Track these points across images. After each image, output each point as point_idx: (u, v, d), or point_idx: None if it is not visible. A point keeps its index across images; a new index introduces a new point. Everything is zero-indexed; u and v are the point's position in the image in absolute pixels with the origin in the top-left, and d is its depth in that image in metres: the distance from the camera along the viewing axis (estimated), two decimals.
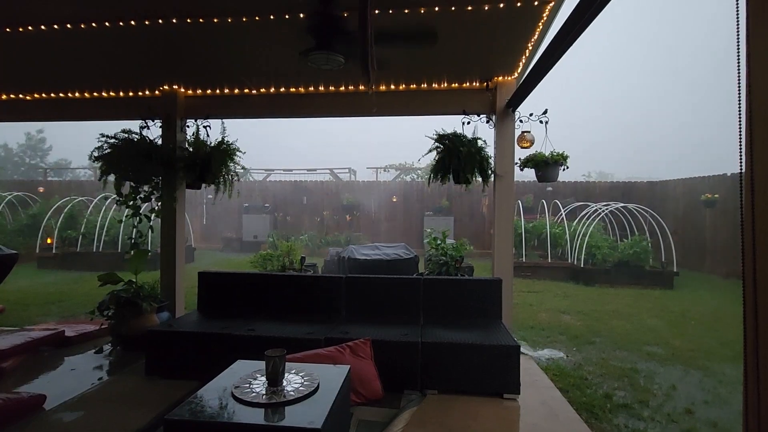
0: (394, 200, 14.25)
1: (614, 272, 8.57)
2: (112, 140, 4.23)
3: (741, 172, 0.94)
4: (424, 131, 4.28)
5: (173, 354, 3.48)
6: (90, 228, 10.56)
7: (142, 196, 4.44)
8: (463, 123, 4.31)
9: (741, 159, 0.94)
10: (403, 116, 4.95)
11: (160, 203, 4.71)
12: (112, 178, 4.31)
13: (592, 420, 3.05)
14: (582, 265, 8.85)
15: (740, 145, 0.94)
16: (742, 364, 0.89)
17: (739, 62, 0.91)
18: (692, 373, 4.03)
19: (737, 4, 0.90)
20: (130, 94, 5.00)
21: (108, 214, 10.59)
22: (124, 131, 4.32)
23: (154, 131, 4.69)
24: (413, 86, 4.58)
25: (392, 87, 4.61)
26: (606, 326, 5.56)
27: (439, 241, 5.37)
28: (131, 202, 4.46)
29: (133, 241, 4.57)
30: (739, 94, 0.91)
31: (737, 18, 0.91)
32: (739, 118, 0.91)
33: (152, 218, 4.66)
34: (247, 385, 2.18)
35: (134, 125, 4.56)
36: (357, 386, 2.94)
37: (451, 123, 4.37)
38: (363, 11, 2.33)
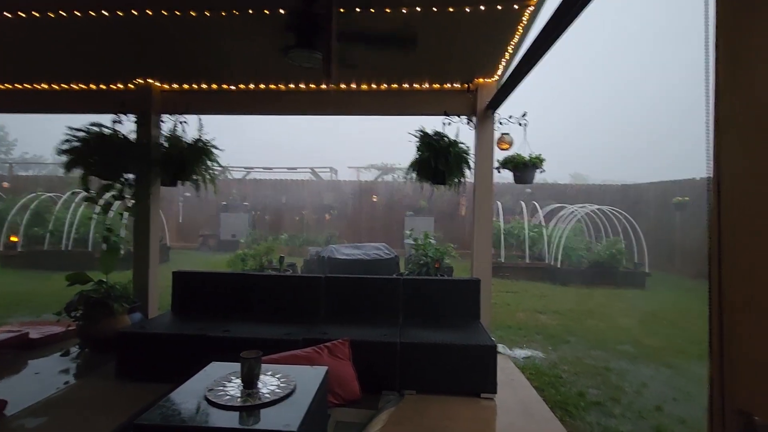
0: (375, 200, 14.24)
1: (589, 273, 8.79)
2: (81, 134, 4.06)
3: (708, 177, 0.96)
4: (406, 132, 4.28)
5: (145, 356, 3.37)
6: (59, 225, 10.14)
7: (114, 193, 4.26)
8: (444, 124, 4.34)
9: (708, 164, 0.96)
10: (384, 116, 4.94)
11: (133, 200, 4.55)
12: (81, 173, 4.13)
13: (566, 418, 3.12)
14: (559, 266, 9.04)
15: (707, 150, 0.96)
16: (708, 361, 0.91)
17: (707, 72, 0.94)
18: (662, 371, 4.16)
19: (706, 14, 0.93)
20: (102, 87, 4.81)
21: (78, 210, 10.20)
22: (94, 125, 4.15)
23: (129, 126, 4.54)
24: (395, 86, 4.58)
25: (374, 86, 4.59)
26: (581, 326, 5.69)
27: (420, 242, 5.40)
28: (103, 201, 4.29)
29: (105, 238, 4.39)
30: (707, 102, 0.94)
31: (706, 27, 0.93)
32: (707, 124, 0.93)
33: (125, 216, 4.49)
34: (221, 388, 2.12)
35: (106, 119, 4.40)
36: (335, 387, 2.92)
37: (432, 124, 4.39)
38: (327, 7, 2.33)
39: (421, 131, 4.15)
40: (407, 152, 4.32)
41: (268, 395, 2.06)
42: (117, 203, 4.46)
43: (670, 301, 7.48)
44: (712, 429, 0.92)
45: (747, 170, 0.84)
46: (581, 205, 10.87)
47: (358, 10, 3.01)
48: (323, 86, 4.61)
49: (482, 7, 2.98)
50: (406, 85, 4.56)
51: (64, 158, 4.09)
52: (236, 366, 2.23)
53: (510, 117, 4.26)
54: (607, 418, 3.16)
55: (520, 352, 4.57)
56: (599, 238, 10.41)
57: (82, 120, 4.32)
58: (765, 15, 0.79)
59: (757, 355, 0.81)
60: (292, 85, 4.64)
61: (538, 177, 4.22)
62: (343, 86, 4.60)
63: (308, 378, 2.32)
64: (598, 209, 10.41)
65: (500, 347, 4.43)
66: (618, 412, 3.26)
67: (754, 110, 0.82)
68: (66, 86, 4.82)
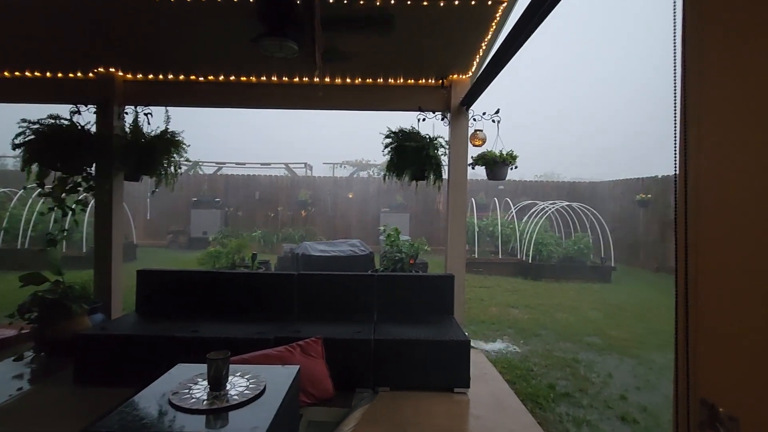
0: (351, 196, 14.15)
1: (559, 267, 9.03)
2: (36, 126, 3.81)
3: (675, 174, 0.97)
4: (381, 126, 4.25)
5: (107, 359, 3.21)
6: (14, 223, 9.56)
7: (67, 187, 4.01)
8: (419, 120, 4.33)
9: (675, 162, 0.97)
10: (359, 111, 4.88)
11: (92, 195, 4.31)
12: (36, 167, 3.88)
13: (536, 410, 3.18)
14: (530, 261, 9.24)
15: (675, 149, 0.97)
16: (674, 353, 0.92)
17: (675, 71, 0.94)
18: (626, 361, 4.31)
19: (674, 12, 0.93)
20: (60, 75, 4.53)
21: (36, 207, 9.63)
22: (51, 116, 3.90)
23: (89, 118, 4.29)
24: (369, 81, 4.53)
25: (348, 81, 4.53)
26: (551, 319, 5.84)
27: (393, 238, 5.37)
28: (63, 195, 4.03)
29: (47, 234, 4.14)
30: (675, 103, 0.95)
31: (674, 25, 0.93)
32: (675, 124, 0.94)
33: (77, 211, 4.19)
34: (187, 391, 2.04)
35: (64, 111, 4.15)
36: (307, 386, 2.86)
37: (408, 120, 4.38)
38: None
39: (389, 130, 4.15)
40: (383, 148, 4.29)
41: (236, 397, 1.99)
42: (73, 198, 4.20)
43: (634, 293, 7.79)
44: (677, 418, 0.93)
45: (712, 166, 0.85)
46: (552, 201, 11.15)
47: (331, 1, 2.94)
48: (296, 80, 4.51)
49: (456, 2, 2.97)
50: (380, 80, 4.52)
51: (17, 152, 3.84)
52: (203, 367, 2.15)
53: (484, 114, 4.29)
54: (575, 409, 3.24)
55: (493, 346, 4.64)
56: (568, 233, 10.71)
57: (38, 110, 4.06)
58: (732, 12, 0.80)
59: (720, 346, 0.82)
60: (264, 78, 4.52)
61: (511, 174, 4.28)
62: (316, 80, 4.51)
63: (279, 378, 2.26)
64: (567, 206, 10.70)
65: (473, 342, 4.49)
66: (586, 403, 3.35)
67: (720, 108, 0.83)
68: (19, 74, 4.51)
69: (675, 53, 0.94)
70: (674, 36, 0.96)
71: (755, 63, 0.74)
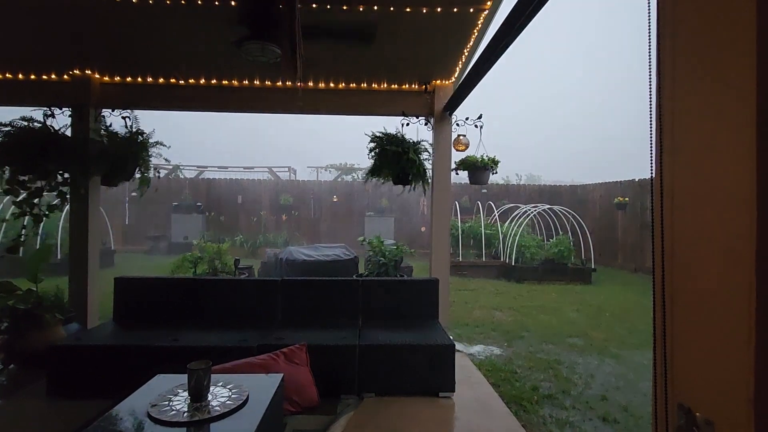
0: (335, 200, 14.09)
1: (541, 269, 9.16)
2: (7, 128, 3.68)
3: (652, 178, 0.99)
4: (365, 131, 4.26)
5: (82, 371, 3.09)
6: None
7: (32, 190, 3.86)
8: (403, 124, 4.35)
9: (651, 166, 0.99)
10: (342, 115, 4.87)
11: (58, 197, 4.16)
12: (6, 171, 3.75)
13: (521, 412, 3.20)
14: (513, 264, 9.35)
15: (651, 153, 0.99)
16: (653, 357, 0.94)
17: (650, 79, 0.97)
18: (607, 361, 4.40)
19: (649, 18, 0.95)
20: (32, 77, 4.39)
21: (7, 212, 9.28)
22: (23, 118, 3.77)
23: (64, 121, 4.16)
24: (353, 85, 4.53)
25: (332, 85, 4.52)
26: (534, 321, 5.91)
27: (375, 245, 5.37)
28: (36, 200, 3.89)
29: (22, 239, 3.99)
30: (650, 108, 0.97)
31: (649, 30, 0.96)
32: (650, 129, 0.96)
33: (42, 213, 4.02)
34: (167, 403, 1.98)
35: (37, 114, 4.01)
36: (291, 394, 2.82)
37: (393, 125, 4.39)
38: (291, 2, 2.25)
39: (374, 134, 4.16)
40: (366, 152, 4.29)
41: (218, 408, 1.95)
42: (45, 202, 4.06)
43: (613, 294, 7.96)
44: (656, 422, 0.95)
45: (686, 170, 0.87)
46: (534, 204, 11.32)
47: (314, 5, 2.94)
48: (278, 84, 4.47)
49: (439, 9, 3.00)
50: (364, 85, 4.53)
51: None
52: (184, 378, 2.10)
53: (467, 119, 4.34)
54: (558, 411, 3.28)
55: (477, 349, 4.67)
56: (550, 236, 10.89)
57: (10, 114, 3.91)
58: (703, 18, 0.82)
59: (696, 350, 0.84)
60: (246, 82, 4.47)
61: (494, 177, 4.34)
62: (299, 84, 4.48)
63: (262, 387, 2.23)
64: (549, 208, 10.89)
65: (458, 345, 4.50)
66: (569, 404, 3.40)
67: (693, 113, 0.85)
68: None
69: (650, 58, 0.97)
70: (649, 40, 0.98)
71: (726, 69, 0.76)
